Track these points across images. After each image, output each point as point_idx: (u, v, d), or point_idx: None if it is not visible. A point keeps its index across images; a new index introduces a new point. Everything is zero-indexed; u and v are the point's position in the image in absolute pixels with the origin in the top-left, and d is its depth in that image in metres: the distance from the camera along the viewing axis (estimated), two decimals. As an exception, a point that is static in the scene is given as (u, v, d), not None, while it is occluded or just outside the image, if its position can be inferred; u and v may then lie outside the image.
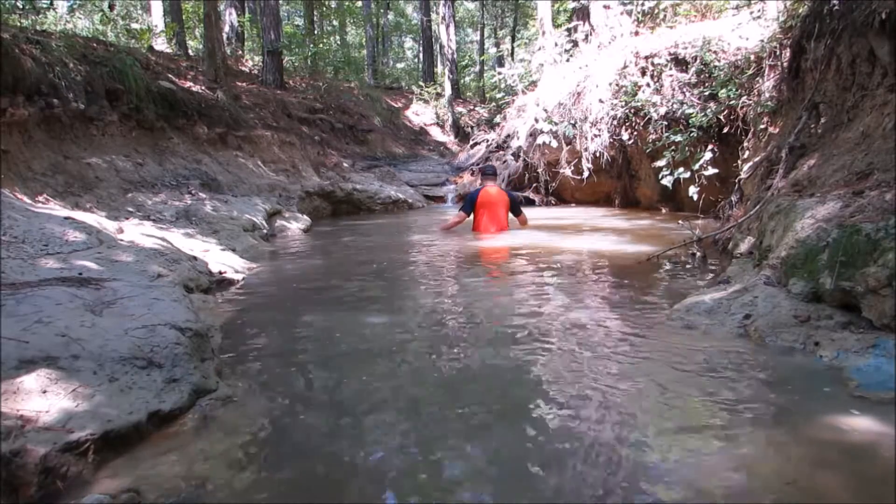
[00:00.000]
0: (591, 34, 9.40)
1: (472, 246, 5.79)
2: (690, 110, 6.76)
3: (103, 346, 2.02)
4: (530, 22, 18.47)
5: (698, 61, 6.98)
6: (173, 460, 1.65)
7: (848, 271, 2.42)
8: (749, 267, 3.50)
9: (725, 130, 6.45)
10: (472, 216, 6.15)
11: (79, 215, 3.90)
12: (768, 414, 1.90)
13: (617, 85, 7.80)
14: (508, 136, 10.47)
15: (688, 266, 4.29)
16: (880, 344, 2.21)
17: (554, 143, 8.54)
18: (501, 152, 10.70)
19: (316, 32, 17.20)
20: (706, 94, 6.82)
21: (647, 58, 7.55)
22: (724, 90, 6.34)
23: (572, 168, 8.58)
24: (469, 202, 6.17)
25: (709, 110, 6.58)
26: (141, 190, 5.71)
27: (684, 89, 7.03)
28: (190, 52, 12.96)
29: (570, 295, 3.53)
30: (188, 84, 8.16)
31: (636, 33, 8.50)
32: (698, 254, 4.44)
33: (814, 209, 2.99)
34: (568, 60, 9.78)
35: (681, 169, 6.48)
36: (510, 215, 6.21)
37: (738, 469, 1.57)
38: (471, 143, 12.77)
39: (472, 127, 15.83)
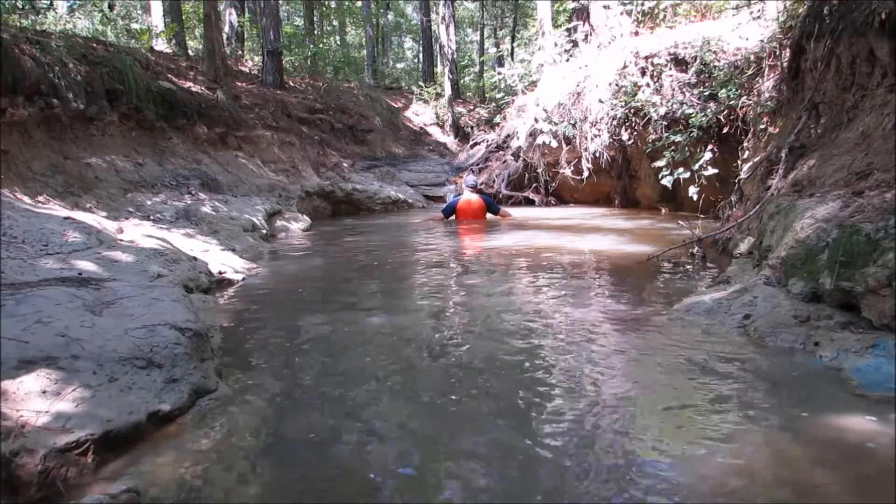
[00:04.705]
0: (590, 34, 9.39)
1: (471, 246, 5.80)
2: (690, 110, 6.75)
3: (103, 346, 2.02)
4: (530, 22, 18.45)
5: (698, 61, 6.98)
6: (173, 460, 1.65)
7: (848, 271, 2.43)
8: (749, 267, 3.50)
9: (725, 130, 6.44)
10: (453, 216, 7.45)
11: (78, 215, 3.90)
12: (768, 414, 1.90)
13: (617, 85, 7.79)
14: (508, 136, 10.46)
15: (688, 266, 4.30)
16: (880, 344, 2.21)
17: (554, 143, 8.54)
18: (501, 152, 10.69)
19: (316, 32, 17.16)
20: (706, 94, 6.81)
21: (646, 58, 7.55)
22: (723, 90, 6.34)
23: (572, 168, 8.58)
24: (449, 208, 7.53)
25: (709, 110, 6.58)
26: (141, 190, 5.71)
27: (684, 89, 7.03)
28: (190, 52, 12.95)
29: (570, 295, 3.53)
30: (188, 84, 8.15)
31: (636, 33, 8.49)
32: (698, 254, 4.44)
33: (814, 209, 2.98)
34: (568, 60, 9.77)
35: (681, 169, 6.48)
36: (491, 214, 7.43)
37: (737, 469, 1.57)
38: (471, 143, 12.75)
39: (472, 127, 15.80)
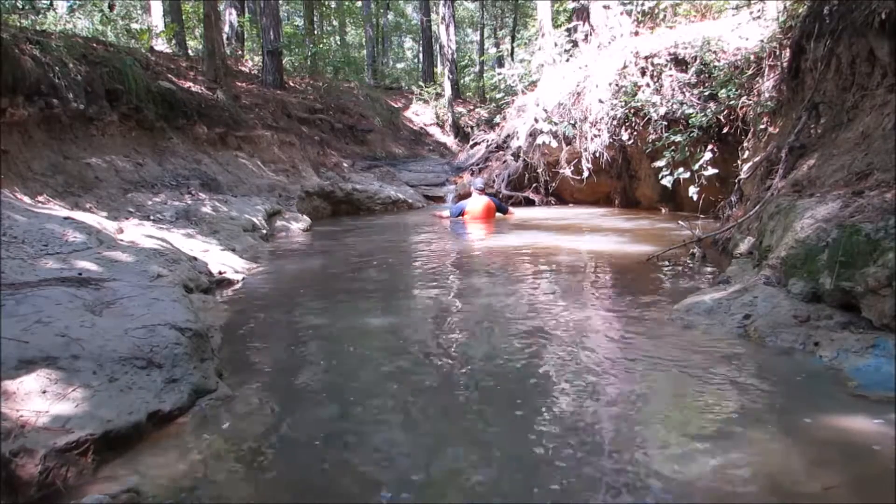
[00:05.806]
0: (590, 34, 9.37)
1: (471, 246, 5.80)
2: (690, 110, 6.75)
3: (103, 346, 2.02)
4: (530, 22, 18.44)
5: (698, 61, 6.97)
6: (173, 460, 1.65)
7: (848, 271, 2.43)
8: (749, 267, 3.50)
9: (725, 130, 6.44)
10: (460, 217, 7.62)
11: (78, 215, 3.90)
12: (768, 414, 1.90)
13: (617, 85, 7.78)
14: (508, 136, 10.45)
15: (688, 266, 4.29)
16: (880, 344, 2.21)
17: (554, 143, 8.53)
18: (501, 152, 10.68)
19: (316, 32, 17.17)
20: (706, 94, 6.81)
21: (646, 58, 7.54)
22: (723, 90, 6.33)
23: (572, 168, 8.57)
24: (457, 211, 7.67)
25: (709, 110, 6.57)
26: (141, 190, 5.70)
27: (684, 89, 7.02)
28: (190, 52, 12.94)
29: (570, 295, 3.53)
30: (188, 84, 8.15)
31: (636, 33, 8.48)
32: (698, 254, 4.44)
33: (814, 209, 2.99)
34: (568, 60, 9.76)
35: (681, 169, 6.48)
36: (500, 214, 7.68)
37: (736, 469, 1.57)
38: (471, 143, 12.74)
39: (472, 127, 15.79)
